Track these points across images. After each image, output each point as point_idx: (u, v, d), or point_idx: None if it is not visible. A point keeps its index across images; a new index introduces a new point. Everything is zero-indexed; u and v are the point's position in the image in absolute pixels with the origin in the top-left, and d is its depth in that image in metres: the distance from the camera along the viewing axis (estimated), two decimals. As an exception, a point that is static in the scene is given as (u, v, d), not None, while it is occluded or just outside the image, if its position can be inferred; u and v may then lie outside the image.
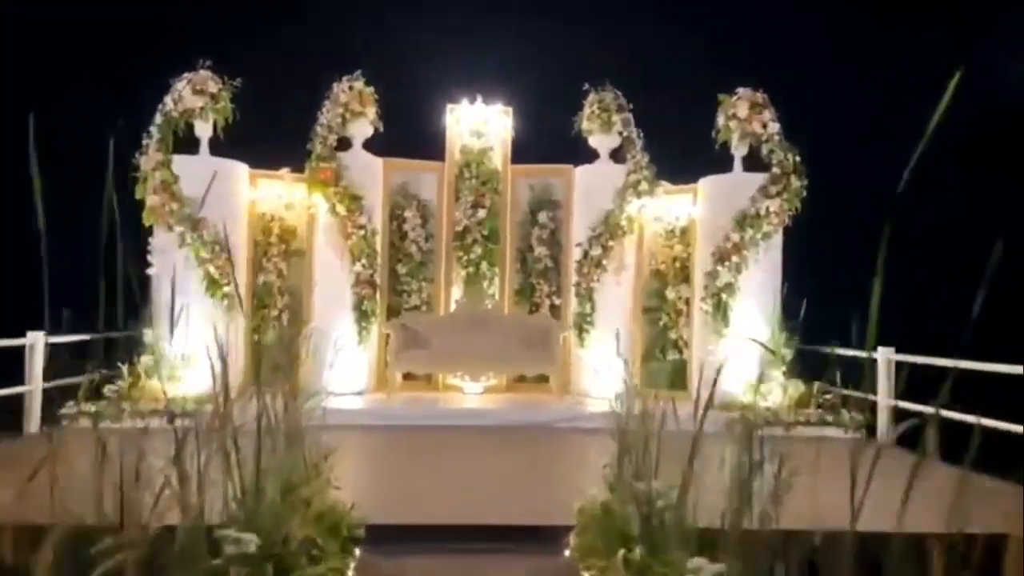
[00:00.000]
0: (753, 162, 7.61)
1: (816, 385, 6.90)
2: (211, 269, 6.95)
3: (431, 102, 8.43)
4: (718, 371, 3.20)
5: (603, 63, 8.45)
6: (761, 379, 7.13)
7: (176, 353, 6.87)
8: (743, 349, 7.25)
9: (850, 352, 4.84)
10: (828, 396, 6.87)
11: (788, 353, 7.21)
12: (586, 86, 8.24)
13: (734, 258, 7.22)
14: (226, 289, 7.01)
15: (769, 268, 7.32)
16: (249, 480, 2.90)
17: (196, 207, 6.98)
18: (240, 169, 7.51)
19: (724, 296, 7.27)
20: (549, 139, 8.61)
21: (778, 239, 7.40)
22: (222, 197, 7.24)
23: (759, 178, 7.36)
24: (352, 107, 7.86)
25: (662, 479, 3.14)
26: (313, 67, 8.10)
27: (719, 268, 7.24)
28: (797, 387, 6.97)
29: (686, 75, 8.59)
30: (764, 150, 7.35)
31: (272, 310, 7.88)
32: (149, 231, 6.96)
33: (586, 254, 8.08)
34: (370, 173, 8.17)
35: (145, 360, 6.81)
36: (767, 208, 7.15)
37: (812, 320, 7.12)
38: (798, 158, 7.25)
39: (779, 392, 7.02)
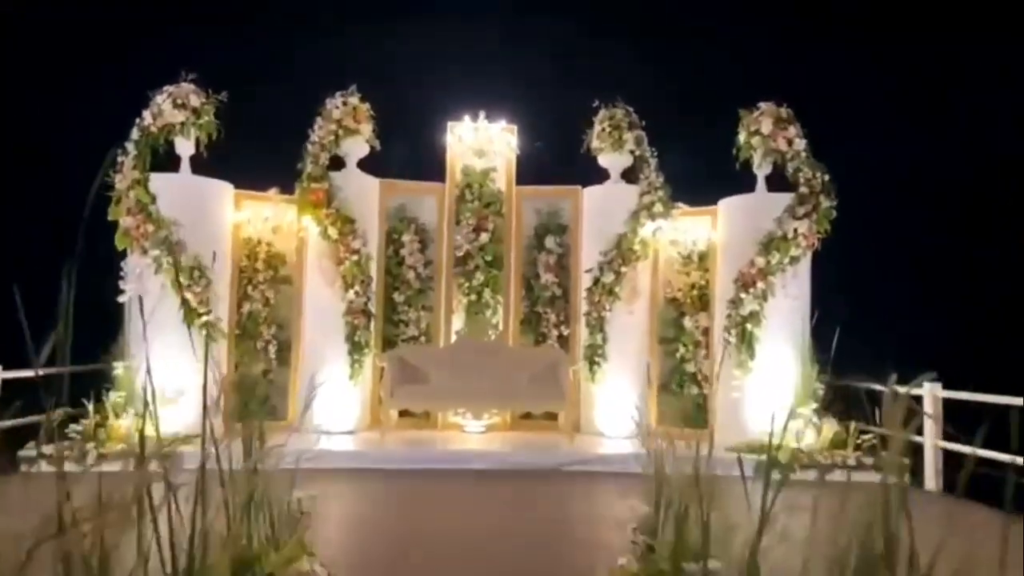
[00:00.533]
0: (777, 181, 7.07)
1: (852, 424, 6.26)
2: (189, 297, 6.37)
3: (430, 119, 7.93)
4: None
5: (614, 79, 7.97)
6: (791, 417, 6.50)
7: (150, 389, 6.25)
8: (770, 383, 6.66)
9: (890, 387, 4.60)
10: (867, 436, 6.23)
11: (820, 388, 6.59)
12: (596, 102, 7.73)
13: (759, 284, 6.64)
14: (205, 318, 6.42)
15: (797, 295, 6.73)
16: (185, 554, 2.27)
17: (175, 229, 6.43)
18: (224, 189, 6.97)
19: (749, 326, 6.67)
20: (556, 159, 8.10)
21: (806, 264, 6.82)
22: (204, 219, 6.70)
23: (785, 198, 6.81)
24: (346, 124, 7.35)
25: (716, 549, 2.50)
26: (305, 82, 7.63)
27: (743, 295, 6.66)
28: (831, 426, 6.33)
29: (703, 90, 8.11)
30: (789, 168, 6.81)
31: (258, 341, 7.28)
32: (123, 255, 6.38)
33: (597, 281, 7.50)
34: (365, 194, 7.63)
35: (114, 397, 6.19)
36: (794, 230, 6.58)
37: (846, 351, 6.53)
38: (827, 176, 6.71)
39: (811, 432, 6.38)
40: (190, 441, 6.17)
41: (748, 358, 6.68)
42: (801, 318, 6.75)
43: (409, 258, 7.95)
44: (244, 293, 7.26)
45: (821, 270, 6.86)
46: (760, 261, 6.63)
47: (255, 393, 7.26)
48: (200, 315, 6.40)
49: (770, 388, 6.66)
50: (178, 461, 6.16)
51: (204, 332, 6.44)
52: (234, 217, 7.08)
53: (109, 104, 6.89)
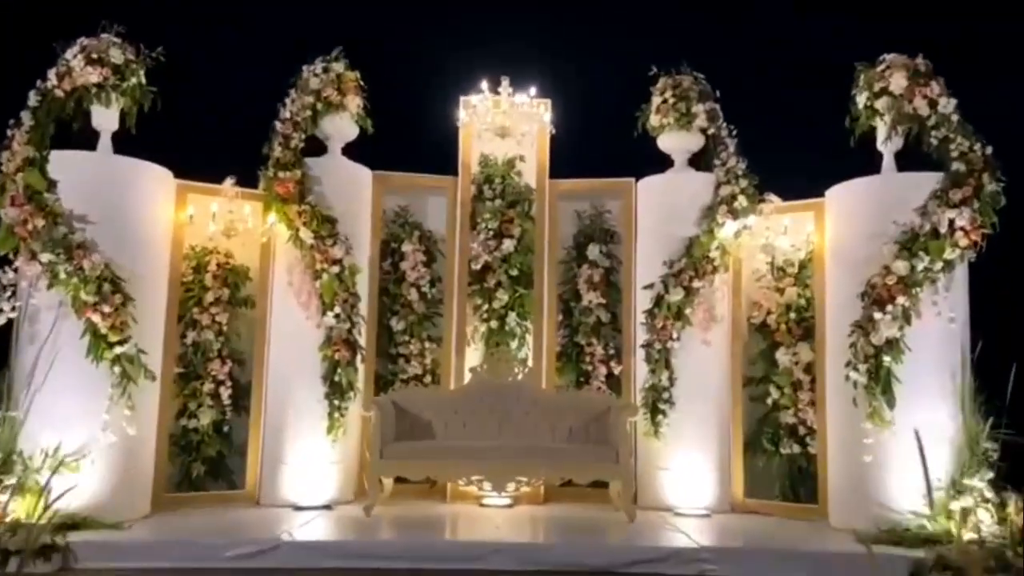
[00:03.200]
0: (908, 160, 5.15)
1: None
2: (96, 319, 4.55)
3: (439, 93, 6.12)
4: None
5: (677, 41, 6.15)
6: (955, 492, 4.48)
7: (37, 450, 4.44)
8: (914, 441, 4.65)
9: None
10: (1077, 524, 4.18)
11: (993, 449, 4.57)
12: (653, 69, 5.91)
13: (900, 300, 4.66)
14: (119, 350, 4.60)
15: (953, 315, 4.74)
16: None
17: (80, 228, 4.66)
18: (160, 177, 5.20)
19: (887, 359, 4.68)
20: (602, 142, 6.23)
21: (963, 272, 4.86)
22: (128, 215, 4.92)
23: (927, 180, 4.88)
24: (328, 96, 5.59)
25: None
26: (275, 43, 5.87)
27: (876, 316, 4.68)
28: (1016, 504, 4.29)
29: (793, 48, 6.22)
30: (933, 139, 4.88)
31: (206, 382, 5.43)
32: (6, 261, 4.60)
33: (659, 300, 5.59)
34: (353, 188, 5.84)
35: (-15, 461, 4.35)
36: (949, 223, 4.63)
37: (1026, 396, 4.54)
38: (989, 149, 4.77)
39: (987, 515, 4.34)
40: (95, 526, 4.33)
41: (885, 405, 4.68)
42: (959, 348, 4.75)
43: (411, 273, 6.11)
44: (189, 318, 5.44)
45: (981, 280, 4.88)
46: (901, 267, 4.66)
47: (201, 454, 5.39)
48: (111, 345, 4.57)
49: (917, 450, 4.64)
50: (72, 557, 4.12)
51: (118, 369, 4.60)
52: (175, 216, 5.29)
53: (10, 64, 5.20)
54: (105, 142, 5.01)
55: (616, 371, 5.97)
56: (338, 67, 5.68)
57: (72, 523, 4.34)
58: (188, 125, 5.52)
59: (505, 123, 5.66)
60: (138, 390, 4.72)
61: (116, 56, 4.91)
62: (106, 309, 4.54)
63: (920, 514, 4.52)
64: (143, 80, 5.05)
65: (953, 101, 4.86)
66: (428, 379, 6.02)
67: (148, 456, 4.96)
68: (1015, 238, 4.80)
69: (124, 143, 5.05)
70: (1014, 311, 4.98)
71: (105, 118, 4.99)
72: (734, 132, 5.74)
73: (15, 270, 4.56)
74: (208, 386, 5.42)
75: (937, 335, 4.72)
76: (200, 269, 5.48)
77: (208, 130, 5.69)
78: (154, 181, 5.14)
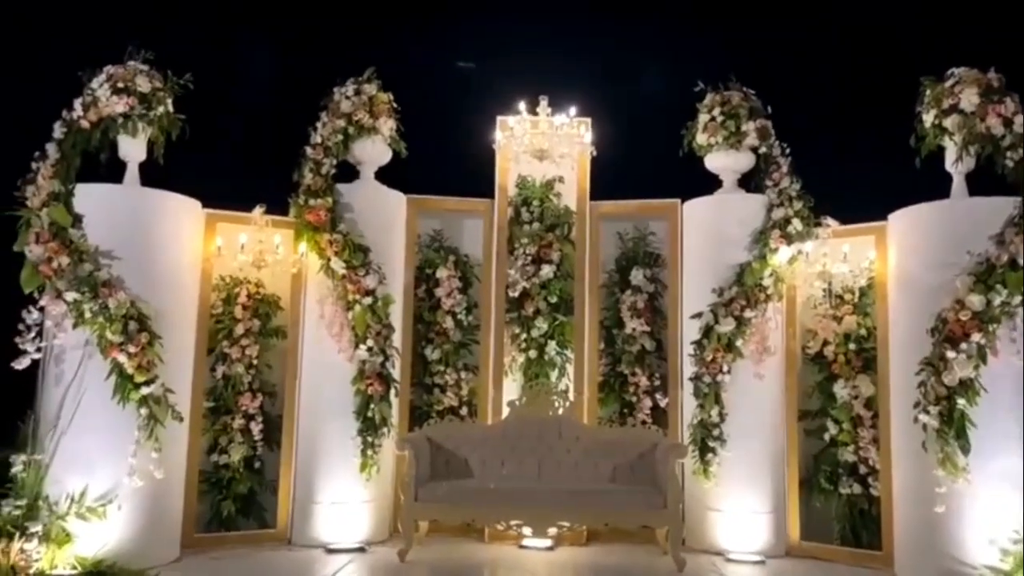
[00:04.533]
0: (978, 183, 4.77)
1: None
2: (123, 360, 4.40)
3: (476, 114, 5.89)
4: None
5: (725, 55, 5.83)
6: (1038, 547, 4.11)
7: (63, 495, 4.31)
8: (994, 491, 4.29)
9: None
10: None
11: (1080, 501, 4.18)
12: (700, 85, 5.60)
13: (975, 337, 4.29)
14: (146, 391, 4.44)
15: (1031, 354, 4.37)
16: None
17: (106, 264, 4.52)
18: (188, 207, 5.04)
19: (961, 402, 4.32)
20: (646, 162, 5.94)
21: (1044, 306, 4.46)
22: (156, 248, 4.77)
23: (1003, 205, 4.50)
24: (360, 120, 5.39)
25: None
26: (305, 68, 5.69)
27: (949, 354, 4.32)
28: (1111, 565, 3.91)
29: (851, 65, 5.85)
30: (1008, 160, 4.50)
31: (236, 417, 5.27)
32: (31, 300, 4.47)
33: (708, 330, 5.28)
34: (386, 214, 5.62)
35: (10, 507, 4.21)
36: (1030, 253, 4.25)
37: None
38: (1073, 171, 4.38)
39: (1076, 573, 3.96)
40: (122, 574, 4.18)
41: (959, 451, 4.31)
42: (1038, 389, 4.37)
43: (446, 300, 5.88)
44: (219, 351, 5.28)
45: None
46: (975, 301, 4.29)
47: (232, 491, 5.23)
48: (138, 386, 4.42)
49: (994, 499, 4.28)
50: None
51: (144, 410, 4.44)
52: (204, 247, 5.13)
53: (35, 94, 5.09)
54: (132, 173, 4.87)
55: (662, 403, 5.67)
56: (370, 89, 5.48)
57: (98, 571, 4.20)
58: (217, 152, 5.37)
59: (544, 145, 5.38)
60: (166, 429, 4.56)
61: (143, 84, 4.76)
62: (132, 349, 4.39)
63: (998, 570, 4.16)
64: (170, 108, 4.90)
65: (1031, 119, 4.46)
66: (464, 410, 5.78)
67: (177, 498, 4.81)
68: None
69: (151, 172, 4.90)
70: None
71: (132, 148, 4.84)
72: (787, 151, 5.41)
73: (40, 309, 4.43)
74: (239, 421, 5.26)
75: (1015, 375, 4.34)
76: (230, 300, 5.32)
77: (237, 157, 5.53)
78: (182, 212, 4.99)
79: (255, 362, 5.33)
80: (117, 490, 4.40)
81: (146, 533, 4.50)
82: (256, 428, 5.28)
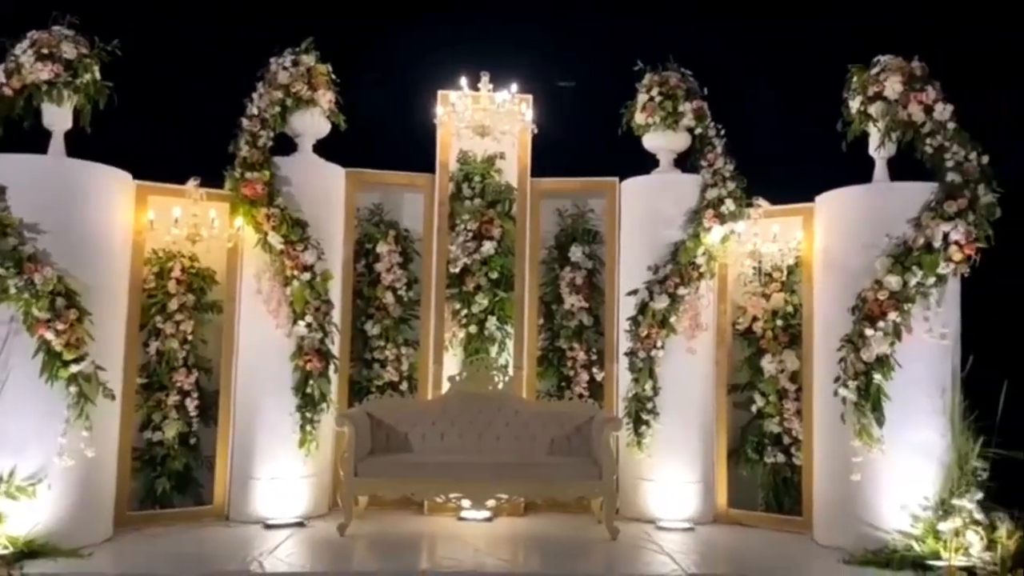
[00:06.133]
0: (900, 168, 4.99)
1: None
2: (49, 336, 4.28)
3: (416, 88, 5.84)
4: None
5: (663, 36, 5.90)
6: (942, 513, 4.40)
7: (-11, 474, 4.20)
8: (906, 461, 4.57)
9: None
10: (1067, 548, 4.11)
11: (982, 469, 4.48)
12: (638, 64, 5.67)
13: (892, 316, 4.53)
14: (76, 368, 4.34)
15: (945, 332, 4.62)
16: None
17: (31, 237, 4.37)
18: (118, 180, 4.89)
19: (877, 376, 4.56)
20: (585, 141, 6.01)
21: (955, 287, 4.73)
22: (84, 221, 4.62)
23: (921, 190, 4.73)
24: (298, 91, 5.30)
25: None
26: (241, 36, 5.54)
27: (868, 332, 4.55)
28: (1008, 528, 4.21)
29: (785, 47, 6.00)
30: (927, 147, 4.72)
31: (171, 394, 5.19)
32: (-49, 275, 4.29)
33: (644, 307, 5.42)
34: (325, 187, 5.57)
35: (-67, 488, 4.09)
36: (944, 236, 4.49)
37: (1016, 415, 4.46)
38: (986, 158, 4.62)
39: (976, 537, 4.26)
40: (53, 554, 4.11)
41: (875, 423, 4.57)
42: (950, 364, 4.64)
43: (386, 275, 5.88)
44: (152, 326, 5.18)
45: (972, 294, 4.76)
46: (893, 282, 4.52)
47: (166, 468, 5.17)
48: (67, 363, 4.31)
49: (906, 468, 4.56)
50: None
51: (74, 388, 4.35)
52: (135, 220, 4.99)
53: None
54: (57, 143, 4.69)
55: (599, 377, 5.81)
56: (308, 60, 5.38)
57: (29, 552, 4.13)
58: (148, 123, 5.21)
59: (485, 121, 5.38)
60: (97, 407, 4.47)
61: (68, 51, 4.58)
62: (60, 326, 4.27)
63: (908, 535, 4.44)
64: (97, 76, 4.73)
65: (949, 107, 4.68)
66: (404, 385, 5.82)
67: (109, 475, 4.73)
68: (1005, 249, 4.65)
69: (78, 144, 4.73)
70: (1005, 326, 4.87)
71: (57, 117, 4.67)
72: (722, 132, 5.54)
73: (-39, 285, 4.26)
74: (173, 397, 5.18)
75: (928, 351, 4.60)
76: (163, 275, 5.21)
77: (169, 128, 5.37)
78: (111, 184, 4.83)
79: (190, 337, 5.24)
80: (47, 469, 4.31)
81: (78, 512, 4.42)
82: (191, 404, 5.21)
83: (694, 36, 6.06)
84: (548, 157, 5.85)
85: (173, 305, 5.18)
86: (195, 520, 5.07)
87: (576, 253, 5.93)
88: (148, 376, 5.17)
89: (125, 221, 4.91)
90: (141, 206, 5.02)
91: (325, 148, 5.60)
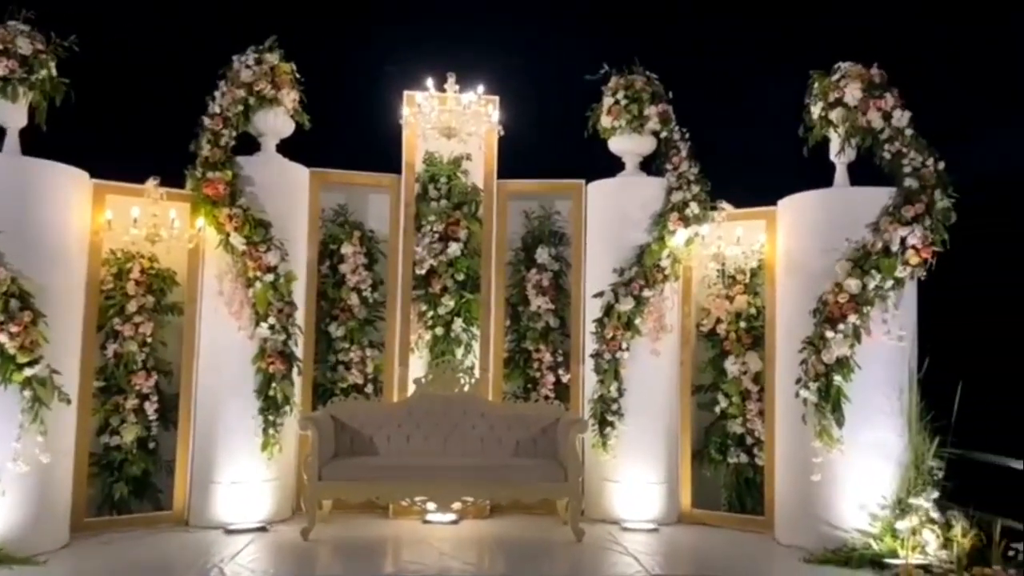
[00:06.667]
0: (860, 173, 5.08)
1: (996, 523, 4.25)
2: (2, 339, 4.17)
3: (382, 88, 5.80)
4: None
5: (630, 40, 5.94)
6: (900, 512, 4.49)
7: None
8: (865, 461, 4.65)
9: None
10: (1017, 548, 4.22)
11: (938, 468, 4.58)
12: (604, 68, 5.69)
13: (852, 319, 4.61)
14: (31, 372, 4.23)
15: (903, 334, 4.71)
16: None
17: (-19, 236, 4.25)
18: (73, 177, 4.78)
19: (836, 377, 4.64)
20: (552, 143, 6.02)
21: (912, 290, 4.83)
22: (39, 220, 4.51)
23: (879, 195, 4.82)
24: (261, 90, 5.23)
25: None
26: (203, 34, 5.45)
27: (828, 334, 4.62)
28: (963, 526, 4.31)
29: (752, 54, 6.07)
30: (885, 153, 4.81)
31: (129, 397, 5.09)
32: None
33: (609, 309, 5.45)
34: (288, 187, 5.50)
35: None
36: (901, 241, 4.58)
37: (972, 415, 4.57)
38: (942, 164, 4.72)
39: (932, 535, 4.36)
40: (7, 562, 4.01)
41: (835, 424, 4.64)
42: (907, 367, 4.74)
43: (351, 277, 5.83)
44: (110, 328, 5.07)
45: (929, 298, 4.86)
46: (853, 285, 4.60)
47: (124, 473, 5.07)
48: (21, 367, 4.20)
49: (865, 468, 4.64)
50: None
51: (28, 392, 4.24)
52: (92, 220, 4.89)
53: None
54: (12, 141, 4.58)
55: (565, 379, 5.83)
56: (272, 58, 5.32)
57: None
58: (106, 121, 5.09)
59: (452, 123, 5.36)
60: (53, 411, 4.37)
61: (24, 46, 4.47)
62: (13, 328, 4.16)
63: (867, 533, 4.52)
64: (54, 72, 4.62)
65: (907, 114, 4.78)
66: (369, 388, 5.77)
67: (65, 481, 4.62)
68: (959, 253, 4.76)
69: (34, 142, 4.62)
70: (959, 329, 4.99)
71: (12, 114, 4.55)
72: (687, 136, 5.59)
73: (-89, 285, 4.13)
74: (132, 401, 5.09)
75: (886, 353, 4.69)
76: (122, 276, 5.11)
77: (129, 126, 5.26)
78: (68, 183, 4.73)
79: (149, 340, 5.15)
80: (1, 475, 4.19)
81: (33, 519, 4.32)
82: (151, 408, 5.12)
83: (660, 39, 6.09)
84: (515, 159, 5.85)
85: (132, 307, 5.08)
86: (154, 526, 4.98)
87: (543, 255, 5.94)
88: (106, 379, 5.07)
89: (82, 221, 4.80)
90: (99, 206, 4.91)
91: (289, 148, 5.54)
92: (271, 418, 5.10)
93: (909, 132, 4.74)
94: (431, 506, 4.92)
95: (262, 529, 4.97)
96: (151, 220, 5.00)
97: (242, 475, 5.07)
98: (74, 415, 4.68)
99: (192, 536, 4.85)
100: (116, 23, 5.46)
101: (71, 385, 4.57)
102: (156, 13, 5.78)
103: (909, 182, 4.67)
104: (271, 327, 5.09)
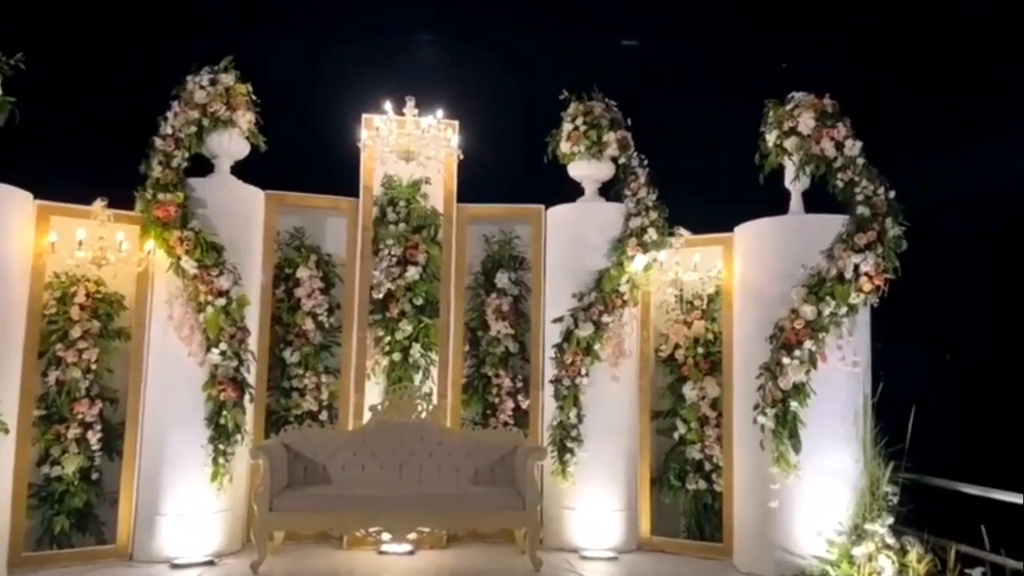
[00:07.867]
0: (815, 200, 5.16)
1: (952, 548, 4.29)
2: (-66, 367, 3.98)
3: (340, 111, 5.74)
4: None
5: (589, 66, 5.98)
6: (856, 538, 4.50)
7: None
8: (820, 487, 4.67)
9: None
10: (972, 570, 4.25)
11: (893, 494, 4.62)
12: (564, 93, 5.72)
13: (807, 344, 4.64)
14: (-36, 401, 4.04)
15: (857, 360, 4.75)
16: None
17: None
18: (15, 198, 4.62)
19: (793, 403, 4.66)
20: (512, 168, 6.01)
21: (865, 316, 4.89)
22: (-23, 243, 4.34)
23: (833, 222, 4.88)
24: (216, 111, 5.14)
25: None
26: (156, 53, 5.35)
27: (785, 360, 4.65)
28: (918, 551, 4.34)
29: (710, 82, 6.16)
30: (839, 181, 4.89)
31: (71, 426, 4.89)
32: None
33: (568, 335, 5.42)
34: (243, 210, 5.39)
35: None
36: (855, 268, 4.64)
37: (927, 440, 4.62)
38: (892, 193, 4.81)
39: (888, 561, 4.37)
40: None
41: (792, 450, 4.66)
42: (861, 392, 4.78)
43: (307, 301, 5.72)
44: (52, 354, 4.88)
45: (882, 324, 4.92)
46: (808, 311, 4.64)
47: (65, 505, 4.86)
48: (-46, 396, 4.01)
49: (822, 493, 4.66)
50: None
51: (-37, 422, 4.05)
52: (35, 242, 4.72)
53: None
54: (-50, 160, 4.41)
55: (524, 405, 5.77)
56: (227, 79, 5.23)
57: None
58: (52, 140, 4.94)
59: (410, 146, 5.30)
60: (-12, 441, 4.18)
61: (-35, 63, 4.31)
62: (-53, 355, 3.97)
63: (824, 560, 4.53)
64: (-2, 90, 4.47)
65: (859, 143, 4.87)
66: (324, 415, 5.64)
67: (3, 514, 4.43)
68: (910, 279, 4.83)
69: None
70: (912, 354, 5.06)
71: (-49, 132, 4.38)
72: (645, 162, 5.63)
73: None
74: (74, 430, 4.88)
75: (841, 378, 4.73)
76: (65, 300, 4.92)
77: (76, 146, 5.11)
78: (9, 203, 4.57)
79: (94, 366, 4.96)
80: (-73, 510, 3.99)
81: (-38, 556, 4.10)
82: (94, 437, 4.92)
83: (619, 65, 6.15)
84: (475, 183, 5.82)
85: (76, 332, 4.90)
86: (96, 560, 4.77)
87: (502, 279, 5.90)
88: (47, 407, 4.86)
89: (24, 243, 4.64)
90: (42, 227, 4.75)
91: (245, 169, 5.44)
92: (221, 447, 4.95)
93: (861, 161, 4.83)
94: (386, 536, 4.80)
95: (210, 563, 4.80)
96: (98, 243, 4.85)
97: (190, 507, 4.90)
98: (12, 444, 4.49)
99: (136, 571, 4.67)
100: (64, 40, 5.32)
101: (10, 414, 4.39)
102: (106, 29, 5.64)
103: (861, 210, 4.75)
104: (222, 353, 4.95)
